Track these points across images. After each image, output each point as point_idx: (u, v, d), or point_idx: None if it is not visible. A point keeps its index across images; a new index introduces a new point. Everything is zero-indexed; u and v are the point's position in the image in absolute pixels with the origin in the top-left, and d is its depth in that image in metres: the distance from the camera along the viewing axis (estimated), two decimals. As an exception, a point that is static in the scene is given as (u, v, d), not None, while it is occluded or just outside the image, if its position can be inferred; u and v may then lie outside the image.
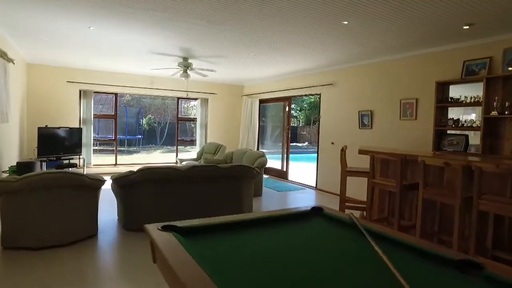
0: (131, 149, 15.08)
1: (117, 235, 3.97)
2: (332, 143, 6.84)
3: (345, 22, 3.79)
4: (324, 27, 4.09)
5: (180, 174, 4.08)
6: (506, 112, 3.98)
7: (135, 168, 4.12)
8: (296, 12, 3.61)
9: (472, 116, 4.44)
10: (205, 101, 9.33)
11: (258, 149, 9.42)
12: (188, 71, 6.16)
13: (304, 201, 6.37)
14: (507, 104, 3.98)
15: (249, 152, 7.01)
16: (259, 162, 6.37)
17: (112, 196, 4.55)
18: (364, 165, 5.11)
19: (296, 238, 1.70)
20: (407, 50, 5.07)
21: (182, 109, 11.11)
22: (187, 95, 8.68)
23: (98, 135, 10.94)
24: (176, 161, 9.13)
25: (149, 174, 3.92)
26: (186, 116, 11.68)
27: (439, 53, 4.82)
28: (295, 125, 19.20)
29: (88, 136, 7.87)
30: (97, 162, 8.46)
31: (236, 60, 6.29)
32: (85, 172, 7.54)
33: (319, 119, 7.30)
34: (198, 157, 8.21)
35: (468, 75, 4.42)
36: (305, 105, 19.09)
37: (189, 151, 10.94)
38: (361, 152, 4.12)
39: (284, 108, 8.70)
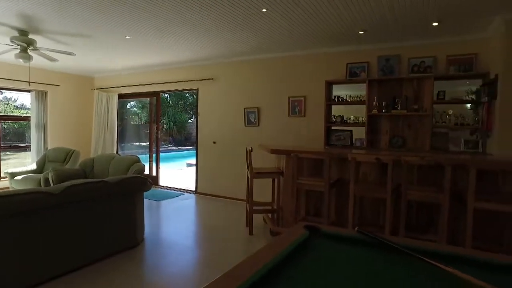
0: None
1: None
2: (214, 143, 6.43)
3: (264, 10, 3.44)
4: (234, 11, 3.62)
5: (52, 199, 2.78)
6: (383, 111, 4.62)
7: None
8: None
9: (354, 113, 4.94)
10: (42, 95, 7.12)
11: (117, 152, 7.98)
12: (29, 51, 4.42)
13: (191, 207, 5.72)
14: (383, 103, 4.62)
15: (117, 158, 5.73)
16: (136, 169, 5.26)
17: None
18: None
19: (330, 270, 1.25)
20: (295, 48, 5.19)
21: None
22: (30, 85, 6.36)
23: None
24: (1, 176, 6.63)
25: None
26: (13, 115, 8.70)
27: (326, 54, 5.14)
28: (137, 123, 18.00)
29: None
30: None
31: (102, 43, 4.95)
32: None
33: (197, 116, 6.73)
34: (40, 168, 6.18)
35: (351, 77, 4.89)
36: (147, 103, 18.08)
37: (4, 159, 8.16)
38: (274, 151, 3.90)
39: (152, 105, 7.67)
